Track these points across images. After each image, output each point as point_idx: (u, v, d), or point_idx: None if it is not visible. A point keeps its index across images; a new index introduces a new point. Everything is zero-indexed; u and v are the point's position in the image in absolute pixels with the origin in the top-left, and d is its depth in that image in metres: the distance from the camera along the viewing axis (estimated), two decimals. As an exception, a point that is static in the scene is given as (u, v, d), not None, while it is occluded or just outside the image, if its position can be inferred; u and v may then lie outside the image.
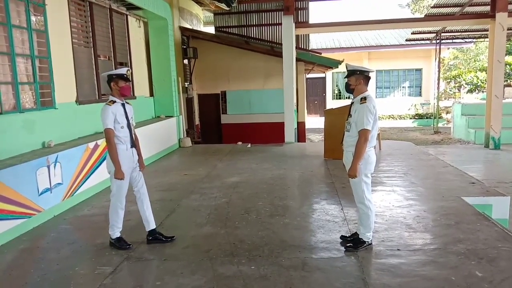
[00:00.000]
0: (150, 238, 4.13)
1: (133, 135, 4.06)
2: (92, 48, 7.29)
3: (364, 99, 3.62)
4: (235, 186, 6.30)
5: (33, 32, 5.54)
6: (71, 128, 6.35)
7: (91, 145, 6.01)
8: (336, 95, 22.33)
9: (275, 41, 13.34)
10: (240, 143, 10.96)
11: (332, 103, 21.89)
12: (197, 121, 14.06)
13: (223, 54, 13.45)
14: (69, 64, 6.50)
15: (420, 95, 21.66)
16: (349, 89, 3.78)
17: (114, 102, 3.92)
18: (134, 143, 4.05)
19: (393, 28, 14.95)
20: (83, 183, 5.74)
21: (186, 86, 12.03)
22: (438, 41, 16.21)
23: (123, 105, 3.99)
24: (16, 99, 5.21)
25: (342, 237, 4.02)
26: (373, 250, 3.79)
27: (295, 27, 10.79)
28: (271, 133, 13.14)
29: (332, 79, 22.06)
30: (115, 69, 8.09)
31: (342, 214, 4.81)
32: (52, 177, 5.08)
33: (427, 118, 20.22)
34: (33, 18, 5.57)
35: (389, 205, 5.13)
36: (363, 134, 3.55)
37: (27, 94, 5.54)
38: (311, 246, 3.94)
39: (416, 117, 20.63)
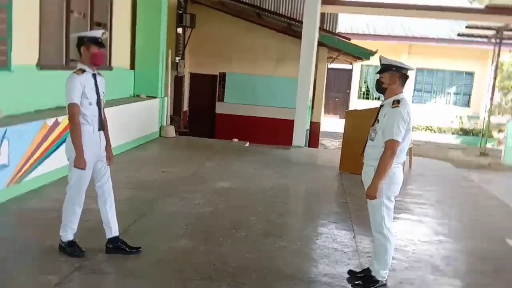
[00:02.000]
0: (111, 246, 4.13)
1: (103, 115, 4.07)
2: (64, 1, 7.30)
3: (397, 103, 3.62)
4: (225, 193, 6.32)
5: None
6: (27, 98, 6.36)
7: (50, 122, 6.01)
8: (364, 94, 22.31)
9: (294, 17, 13.33)
10: (236, 140, 10.98)
11: (357, 103, 21.85)
12: (185, 106, 14.09)
13: (227, 27, 13.44)
14: (34, 17, 6.49)
15: (468, 105, 21.62)
16: (380, 88, 3.78)
17: (83, 71, 3.93)
18: (103, 125, 4.05)
19: (444, 18, 14.99)
20: (34, 168, 5.74)
21: (177, 61, 12.02)
22: (498, 40, 16.22)
23: (94, 76, 3.99)
24: (-39, 53, 5.23)
25: (350, 272, 4.02)
26: (388, 292, 3.80)
27: (321, 3, 10.80)
28: (276, 132, 13.12)
29: (361, 73, 22.06)
30: (91, 30, 8.14)
31: (354, 243, 4.82)
32: (-4, 156, 5.10)
33: (473, 135, 20.24)
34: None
35: (414, 238, 5.14)
36: (391, 146, 3.56)
37: (-24, 48, 5.56)
38: (310, 278, 3.95)
39: (460, 133, 20.64)
